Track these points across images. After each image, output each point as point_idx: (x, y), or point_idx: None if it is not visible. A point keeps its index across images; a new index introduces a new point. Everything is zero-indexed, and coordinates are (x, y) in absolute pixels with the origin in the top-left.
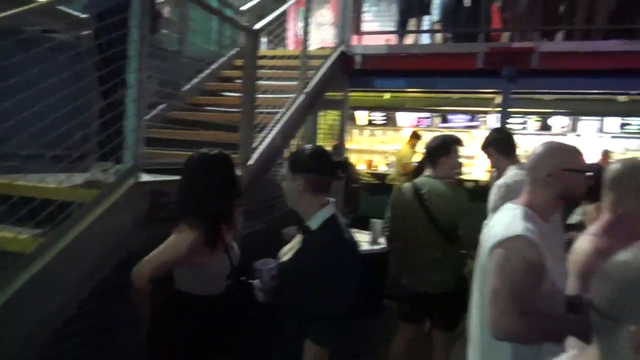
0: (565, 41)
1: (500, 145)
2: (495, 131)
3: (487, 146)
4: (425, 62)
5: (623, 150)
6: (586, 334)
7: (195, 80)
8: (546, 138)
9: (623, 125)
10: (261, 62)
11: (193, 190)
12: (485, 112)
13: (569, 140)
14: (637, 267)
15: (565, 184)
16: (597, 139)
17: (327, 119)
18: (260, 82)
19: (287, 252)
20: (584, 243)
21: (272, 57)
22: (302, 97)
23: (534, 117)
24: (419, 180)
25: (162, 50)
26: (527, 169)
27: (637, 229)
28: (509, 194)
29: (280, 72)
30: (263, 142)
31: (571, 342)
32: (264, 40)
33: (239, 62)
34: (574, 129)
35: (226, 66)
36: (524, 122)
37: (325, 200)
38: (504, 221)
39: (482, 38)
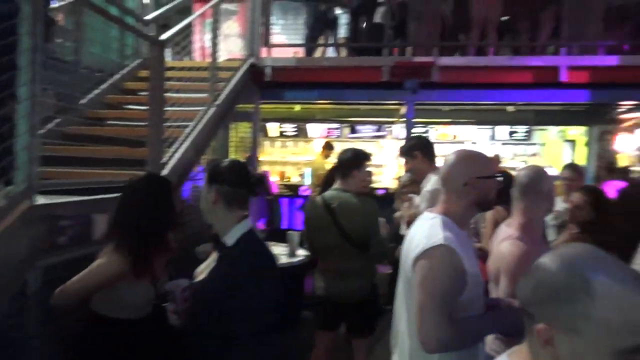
0: (462, 56)
1: (425, 150)
2: (418, 137)
3: (411, 150)
4: (334, 75)
5: (512, 155)
6: (507, 329)
7: (96, 93)
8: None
9: (511, 133)
10: (168, 73)
11: (125, 213)
12: (392, 123)
13: (467, 147)
14: (545, 269)
15: (480, 191)
16: (490, 145)
17: (239, 131)
18: (168, 94)
19: (203, 270)
20: (510, 246)
21: (180, 69)
22: (212, 110)
23: (436, 127)
24: (328, 193)
25: (57, 60)
26: (442, 178)
27: (539, 234)
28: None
29: (189, 84)
30: (173, 157)
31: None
32: (168, 51)
33: (143, 74)
34: (471, 137)
35: (129, 78)
36: (427, 131)
37: (241, 214)
38: (424, 231)
39: (390, 51)
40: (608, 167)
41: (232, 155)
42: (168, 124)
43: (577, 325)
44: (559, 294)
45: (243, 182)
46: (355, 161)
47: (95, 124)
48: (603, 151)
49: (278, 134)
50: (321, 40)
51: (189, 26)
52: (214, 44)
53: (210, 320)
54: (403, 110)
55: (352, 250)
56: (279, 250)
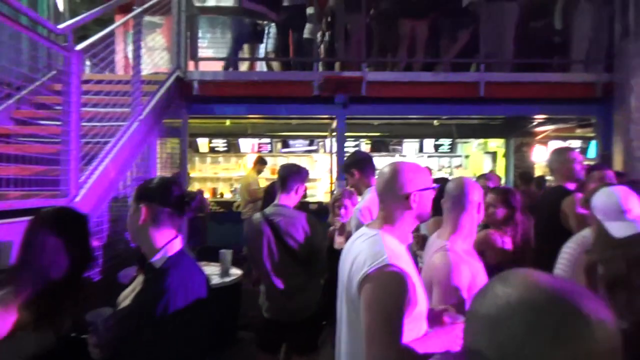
0: (390, 72)
1: (362, 167)
2: (354, 154)
3: (348, 168)
4: (264, 89)
5: (438, 167)
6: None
7: (2, 107)
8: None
9: (437, 146)
10: (85, 87)
11: (30, 255)
12: (324, 137)
13: (396, 160)
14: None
15: (419, 204)
16: (418, 158)
17: (167, 146)
18: (85, 108)
19: (127, 295)
20: (441, 257)
21: (99, 82)
22: (136, 125)
23: (365, 140)
24: (270, 210)
25: None
26: (380, 192)
27: (469, 244)
28: (370, 218)
29: (109, 98)
30: (92, 176)
31: None
32: (87, 63)
33: (57, 87)
34: (399, 149)
35: (41, 91)
36: (358, 145)
37: (171, 234)
38: (367, 250)
39: (318, 67)
40: (524, 176)
41: (160, 172)
42: (86, 140)
43: None
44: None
45: (173, 200)
46: (298, 177)
47: (2, 141)
48: (520, 162)
49: (208, 150)
50: (247, 54)
51: (109, 37)
52: (136, 56)
53: (136, 350)
54: (334, 124)
55: (296, 267)
56: (211, 270)
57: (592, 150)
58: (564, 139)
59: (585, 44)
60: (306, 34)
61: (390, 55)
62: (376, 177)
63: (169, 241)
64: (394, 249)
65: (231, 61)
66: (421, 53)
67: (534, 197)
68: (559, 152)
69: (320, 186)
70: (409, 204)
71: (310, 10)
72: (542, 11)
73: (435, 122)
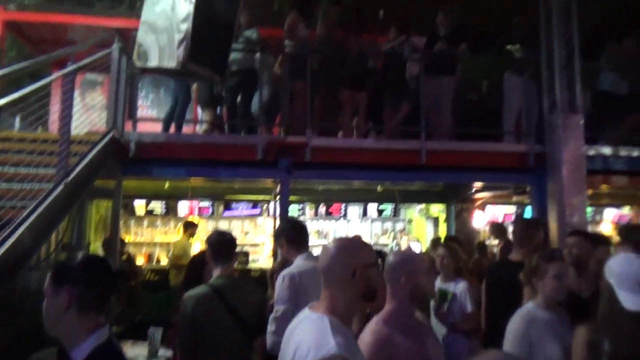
0: (334, 138)
1: (290, 236)
2: (286, 221)
3: (277, 238)
4: (207, 152)
5: (382, 231)
6: None
7: None
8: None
9: (380, 210)
10: (5, 145)
11: None
12: (268, 200)
13: (340, 224)
14: None
15: (366, 281)
16: (362, 222)
17: (99, 209)
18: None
19: None
20: (370, 333)
21: (21, 140)
22: (61, 187)
23: (310, 204)
24: (215, 280)
25: None
26: (325, 271)
27: (410, 318)
28: (295, 285)
29: (33, 158)
30: (4, 245)
31: None
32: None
33: None
34: (344, 214)
35: None
36: (302, 209)
37: (97, 321)
38: (310, 337)
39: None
40: (434, 243)
41: (90, 236)
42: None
43: None
44: None
45: (102, 278)
46: (234, 244)
47: None
48: (461, 227)
49: (145, 212)
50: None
51: (42, 93)
52: (65, 115)
53: None
54: (278, 188)
55: (244, 341)
56: (138, 351)
57: (528, 216)
58: (501, 204)
59: (516, 117)
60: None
61: (333, 121)
62: (320, 254)
63: (94, 329)
64: (342, 336)
65: (176, 123)
66: (363, 121)
67: (482, 266)
68: (530, 226)
69: (263, 251)
70: (354, 282)
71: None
72: (477, 85)
73: (379, 187)
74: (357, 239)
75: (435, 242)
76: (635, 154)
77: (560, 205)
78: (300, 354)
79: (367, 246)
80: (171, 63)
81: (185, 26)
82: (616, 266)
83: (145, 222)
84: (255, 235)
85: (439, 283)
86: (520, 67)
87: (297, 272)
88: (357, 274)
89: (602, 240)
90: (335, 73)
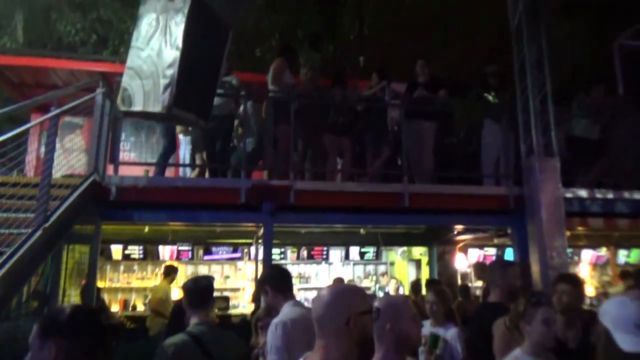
0: (318, 181)
1: (275, 283)
2: (271, 267)
3: (262, 285)
4: (189, 195)
5: (364, 274)
6: None
7: None
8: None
9: (362, 253)
10: None
11: None
12: (249, 244)
13: (322, 268)
14: None
15: (361, 329)
16: (343, 266)
17: (75, 255)
18: None
19: None
20: None
21: (1, 185)
22: (39, 233)
23: (292, 248)
24: (192, 328)
25: None
26: (318, 320)
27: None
28: (288, 333)
29: (11, 203)
30: None
31: None
32: None
33: None
34: (326, 257)
35: None
36: (284, 252)
37: None
38: None
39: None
40: (414, 287)
41: (66, 283)
42: None
43: None
44: None
45: (91, 332)
46: (210, 291)
47: None
48: (443, 269)
49: (122, 257)
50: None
51: (20, 137)
52: (48, 159)
53: None
54: (261, 231)
55: None
56: None
57: (510, 259)
58: (483, 246)
59: (494, 160)
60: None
61: (318, 165)
62: (312, 302)
63: None
64: None
65: (158, 166)
66: (347, 164)
67: (465, 308)
68: (502, 266)
69: (244, 296)
70: (349, 330)
71: None
72: (457, 129)
73: (362, 230)
74: (350, 286)
75: (415, 284)
76: (609, 196)
77: (541, 247)
78: None
79: (361, 292)
80: (156, 108)
81: (171, 72)
82: (611, 309)
83: (122, 267)
84: (236, 280)
85: (429, 327)
86: (497, 113)
87: (289, 320)
88: (352, 322)
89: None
90: (319, 118)
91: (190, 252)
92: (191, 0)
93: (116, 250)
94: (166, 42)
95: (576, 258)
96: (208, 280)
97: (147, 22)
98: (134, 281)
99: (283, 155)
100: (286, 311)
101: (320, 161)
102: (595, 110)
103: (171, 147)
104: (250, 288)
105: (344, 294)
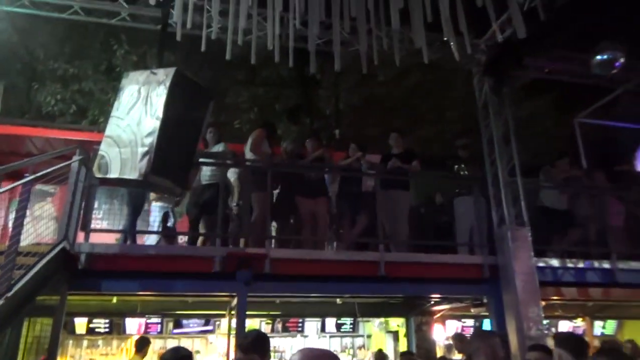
0: (293, 249)
1: (265, 349)
2: (256, 333)
3: (249, 349)
4: (161, 264)
5: (341, 347)
6: None
7: None
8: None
9: (339, 325)
10: None
11: None
12: (221, 315)
13: (297, 340)
14: None
15: None
16: (319, 338)
17: (36, 327)
18: None
19: None
20: None
21: None
22: (1, 302)
23: (266, 320)
24: None
25: None
26: None
27: None
28: None
29: None
30: None
31: None
32: None
33: None
34: (301, 329)
35: None
36: (258, 324)
37: None
38: None
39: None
40: (427, 356)
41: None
42: None
43: None
44: None
45: None
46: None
47: None
48: (421, 341)
49: (86, 331)
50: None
51: None
52: (16, 225)
53: None
54: (234, 302)
55: None
56: None
57: (488, 329)
58: (461, 317)
59: (468, 230)
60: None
61: (293, 233)
62: None
63: None
64: None
65: (129, 234)
66: (322, 232)
67: None
68: (485, 336)
69: None
70: None
71: None
72: (431, 200)
73: (338, 300)
74: (322, 351)
75: (378, 355)
76: (580, 265)
77: (518, 316)
78: None
79: (333, 356)
80: (133, 175)
81: (150, 140)
82: None
83: (85, 342)
84: (207, 355)
85: None
86: (469, 184)
87: None
88: None
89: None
90: (295, 184)
91: (159, 326)
92: (173, 74)
93: (80, 324)
94: (146, 112)
95: (553, 330)
96: (188, 351)
97: (128, 93)
98: (98, 357)
99: (259, 223)
100: None
101: (296, 229)
102: (561, 182)
103: (136, 214)
104: None
105: (315, 358)
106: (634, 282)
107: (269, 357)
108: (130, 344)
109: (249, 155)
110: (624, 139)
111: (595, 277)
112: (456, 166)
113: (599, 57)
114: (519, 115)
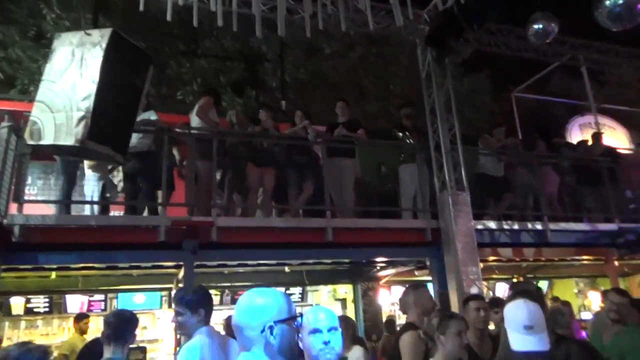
0: (241, 217)
1: (194, 304)
2: (196, 289)
3: (179, 302)
4: (103, 235)
5: None
6: None
7: None
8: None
9: (288, 295)
10: None
11: None
12: (169, 289)
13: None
14: None
15: (281, 337)
16: None
17: None
18: None
19: None
20: None
21: None
22: None
23: (214, 292)
24: None
25: None
26: (237, 327)
27: None
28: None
29: None
30: None
31: None
32: None
33: None
34: None
35: None
36: None
37: None
38: None
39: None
40: (373, 321)
41: None
42: None
43: None
44: None
45: None
46: (133, 325)
47: None
48: (368, 306)
49: (24, 311)
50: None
51: None
52: None
53: None
54: (181, 274)
55: None
56: None
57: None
58: (405, 283)
59: (412, 196)
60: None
61: (240, 201)
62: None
63: None
64: None
65: (64, 205)
66: (269, 200)
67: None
68: (415, 289)
69: (163, 348)
70: (268, 339)
71: None
72: (377, 167)
73: (287, 269)
74: (274, 291)
75: (345, 320)
76: (515, 227)
77: (458, 276)
78: None
79: (281, 299)
80: (68, 141)
81: (87, 104)
82: (507, 312)
83: (23, 324)
84: (155, 330)
85: None
86: (412, 153)
87: (204, 344)
88: (267, 329)
89: (499, 304)
90: (242, 153)
91: (102, 303)
92: (110, 35)
93: (17, 304)
94: (82, 75)
95: (491, 293)
96: (132, 313)
97: (61, 56)
98: (38, 338)
99: (205, 192)
100: (199, 337)
101: (243, 197)
102: (498, 149)
103: (71, 183)
104: (169, 339)
105: (262, 300)
106: (563, 242)
107: (200, 312)
108: (71, 323)
109: (194, 123)
110: (557, 113)
111: (528, 238)
112: (401, 134)
113: (534, 26)
114: (460, 91)
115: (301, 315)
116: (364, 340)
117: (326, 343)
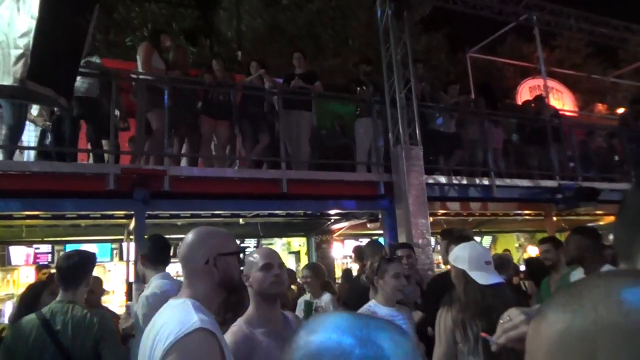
0: (194, 167)
1: (149, 252)
2: (149, 239)
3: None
4: (48, 182)
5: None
6: None
7: None
8: None
9: (242, 248)
10: None
11: None
12: (119, 241)
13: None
14: None
15: (223, 270)
16: None
17: None
18: None
19: None
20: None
21: None
22: None
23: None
24: (47, 309)
25: None
26: (182, 259)
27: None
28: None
29: None
30: None
31: None
32: None
33: None
34: None
35: None
36: None
37: None
38: (174, 317)
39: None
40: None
41: None
42: None
43: None
44: None
45: None
46: (89, 266)
47: None
48: (321, 259)
49: None
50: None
51: None
52: None
53: None
54: (132, 225)
55: None
56: None
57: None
58: (358, 236)
59: (367, 150)
60: None
61: (194, 151)
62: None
63: None
64: (204, 313)
65: (6, 150)
66: (223, 150)
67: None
68: (374, 244)
69: (115, 300)
70: (210, 270)
71: None
72: (332, 120)
73: (241, 221)
74: (217, 229)
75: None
76: (464, 182)
77: (408, 228)
78: (161, 337)
79: (224, 235)
80: (6, 80)
81: (25, 41)
82: (464, 254)
83: None
84: (105, 283)
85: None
86: (368, 107)
87: (160, 291)
88: (211, 261)
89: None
90: (194, 102)
91: (49, 255)
92: None
93: None
94: (19, 10)
95: (439, 247)
96: (84, 255)
97: None
98: None
99: (156, 141)
100: (155, 284)
101: (196, 147)
102: (451, 106)
103: (18, 129)
104: (121, 291)
105: (206, 235)
106: (507, 197)
107: (156, 260)
108: (16, 275)
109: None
110: (509, 75)
111: (476, 193)
112: (358, 88)
113: None
114: (417, 49)
115: (244, 250)
116: (333, 287)
117: (277, 276)
